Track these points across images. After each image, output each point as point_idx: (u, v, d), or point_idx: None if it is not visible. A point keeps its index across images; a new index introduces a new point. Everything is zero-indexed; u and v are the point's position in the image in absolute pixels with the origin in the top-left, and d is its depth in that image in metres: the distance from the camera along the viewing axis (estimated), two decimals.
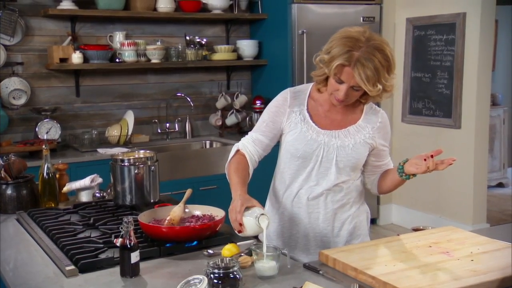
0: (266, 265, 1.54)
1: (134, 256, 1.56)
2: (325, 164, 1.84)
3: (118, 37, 4.05)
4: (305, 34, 4.29)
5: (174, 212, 1.89)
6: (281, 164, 1.94)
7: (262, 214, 1.62)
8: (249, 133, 1.95)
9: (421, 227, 1.93)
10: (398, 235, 1.77)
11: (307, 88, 1.92)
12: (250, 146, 1.90)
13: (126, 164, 2.15)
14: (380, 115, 1.89)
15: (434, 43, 4.45)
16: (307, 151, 1.83)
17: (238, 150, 1.90)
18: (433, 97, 4.47)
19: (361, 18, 4.57)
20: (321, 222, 1.90)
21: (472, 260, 1.55)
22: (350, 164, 1.84)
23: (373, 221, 4.92)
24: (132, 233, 1.56)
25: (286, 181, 1.92)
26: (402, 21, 4.69)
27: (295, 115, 1.86)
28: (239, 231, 1.64)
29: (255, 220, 1.61)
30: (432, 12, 4.43)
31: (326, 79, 1.80)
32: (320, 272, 1.55)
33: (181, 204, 1.94)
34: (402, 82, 4.71)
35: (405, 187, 4.98)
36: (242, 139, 1.94)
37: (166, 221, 1.86)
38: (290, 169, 1.90)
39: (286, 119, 1.87)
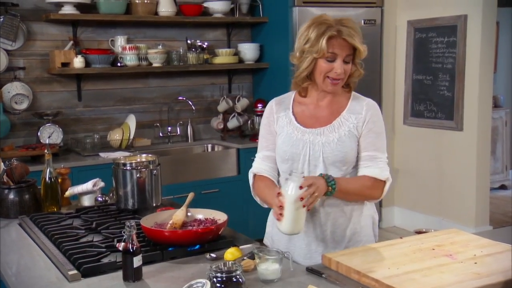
0: (269, 268, 1.53)
1: (137, 261, 1.55)
2: (313, 163, 1.83)
3: (120, 41, 4.05)
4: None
5: (177, 216, 1.89)
6: (279, 168, 1.95)
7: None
8: (256, 155, 1.99)
9: (424, 230, 1.92)
10: (401, 237, 1.77)
11: (290, 94, 1.96)
12: (263, 166, 1.94)
13: (128, 168, 2.15)
14: (365, 104, 1.86)
15: (436, 45, 4.45)
16: (294, 152, 1.84)
17: (255, 175, 1.95)
18: (434, 99, 4.47)
19: (362, 21, 4.58)
20: (318, 226, 1.86)
21: (475, 263, 1.54)
22: (338, 159, 1.80)
23: None
24: (134, 237, 1.56)
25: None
26: (403, 23, 4.69)
27: (282, 119, 1.91)
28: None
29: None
30: (433, 15, 4.43)
31: (308, 76, 1.83)
32: (323, 275, 1.55)
33: (183, 208, 1.93)
34: (403, 84, 4.71)
35: (407, 190, 4.99)
36: (253, 164, 1.99)
37: (169, 225, 1.86)
38: (283, 173, 1.91)
39: (276, 125, 1.92)
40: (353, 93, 1.91)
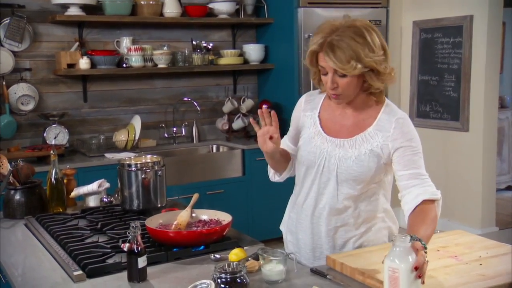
0: (273, 269, 1.53)
1: (142, 261, 1.56)
2: (326, 175, 1.74)
3: (125, 42, 4.07)
4: (311, 38, 4.28)
5: (181, 217, 1.90)
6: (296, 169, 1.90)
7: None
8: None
9: None
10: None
11: (323, 93, 1.84)
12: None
13: (133, 169, 2.16)
14: (394, 120, 1.68)
15: (441, 46, 4.44)
16: (311, 159, 1.76)
17: None
18: (440, 100, 4.45)
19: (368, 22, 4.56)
20: (324, 236, 1.78)
21: (480, 264, 1.53)
22: (352, 178, 1.69)
23: None
24: (139, 238, 1.56)
25: (297, 187, 1.88)
26: (408, 24, 4.69)
27: (307, 119, 1.82)
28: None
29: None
30: (439, 15, 4.42)
31: (319, 82, 1.76)
32: (328, 276, 1.55)
33: (188, 209, 1.94)
34: (409, 85, 4.70)
35: None
36: None
37: (173, 225, 1.86)
38: (298, 175, 1.87)
39: (300, 122, 1.85)
40: (387, 103, 1.74)
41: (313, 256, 1.82)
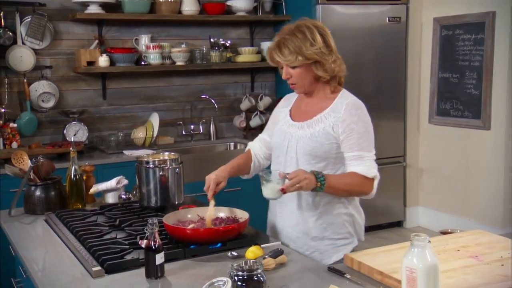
0: (274, 188, 1.77)
1: (159, 258, 1.57)
2: (290, 153, 1.97)
3: (144, 40, 4.09)
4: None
5: (210, 210, 1.92)
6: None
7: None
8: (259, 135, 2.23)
9: (450, 230, 1.89)
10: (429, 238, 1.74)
11: None
12: (256, 144, 2.19)
13: (151, 166, 2.17)
14: (345, 103, 1.90)
15: (463, 42, 4.37)
16: (278, 142, 2.02)
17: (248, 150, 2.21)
18: (461, 97, 4.39)
19: (387, 19, 4.53)
20: (289, 213, 1.99)
21: (502, 265, 1.51)
22: (307, 152, 1.91)
23: (399, 223, 4.86)
24: (156, 235, 1.57)
25: (272, 168, 2.08)
26: (429, 21, 4.62)
27: (282, 114, 2.09)
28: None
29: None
30: (460, 11, 4.35)
31: None
32: (345, 275, 1.54)
33: (213, 206, 1.94)
34: (429, 82, 4.64)
35: (432, 190, 4.92)
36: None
37: (201, 218, 1.93)
38: (273, 162, 2.09)
39: (277, 117, 2.11)
40: (343, 91, 1.98)
41: (292, 235, 1.98)
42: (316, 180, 1.77)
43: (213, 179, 1.96)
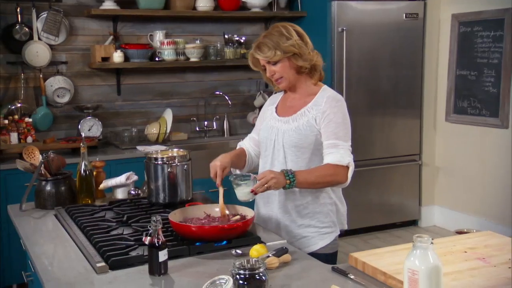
0: (244, 191, 1.85)
1: (162, 255, 1.57)
2: (277, 146, 2.07)
3: (158, 36, 4.10)
4: (345, 32, 4.22)
5: (220, 198, 1.96)
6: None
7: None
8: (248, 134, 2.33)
9: (465, 230, 1.86)
10: (432, 239, 1.71)
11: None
12: (246, 142, 2.29)
13: (159, 162, 2.18)
14: (326, 96, 2.02)
15: (481, 39, 4.29)
16: (266, 136, 2.12)
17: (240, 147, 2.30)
18: (479, 95, 4.31)
19: (404, 15, 4.47)
20: (276, 202, 2.07)
21: (509, 268, 1.47)
22: (293, 144, 2.01)
23: (414, 222, 4.80)
24: (160, 232, 1.57)
25: (260, 162, 2.19)
26: (447, 17, 4.55)
27: (268, 112, 2.19)
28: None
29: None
30: (478, 8, 4.27)
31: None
32: (349, 275, 1.52)
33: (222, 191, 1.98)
34: (446, 80, 4.57)
35: (448, 188, 4.84)
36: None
37: (207, 215, 1.95)
38: (262, 156, 2.17)
39: (264, 115, 2.21)
40: (324, 86, 2.09)
41: (281, 227, 2.06)
42: (285, 178, 1.87)
43: (218, 165, 2.01)
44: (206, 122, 4.39)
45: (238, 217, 1.90)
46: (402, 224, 4.74)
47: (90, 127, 3.90)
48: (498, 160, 4.22)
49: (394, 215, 4.67)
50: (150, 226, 1.58)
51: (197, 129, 4.39)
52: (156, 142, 3.99)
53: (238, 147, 2.30)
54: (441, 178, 4.74)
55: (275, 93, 2.27)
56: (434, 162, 4.76)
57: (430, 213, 4.82)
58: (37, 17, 3.80)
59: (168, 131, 4.00)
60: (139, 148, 3.80)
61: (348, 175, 1.96)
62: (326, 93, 2.06)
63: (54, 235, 2.00)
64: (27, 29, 3.80)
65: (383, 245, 1.77)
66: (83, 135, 3.48)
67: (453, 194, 4.64)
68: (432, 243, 1.26)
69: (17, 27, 3.77)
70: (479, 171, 4.34)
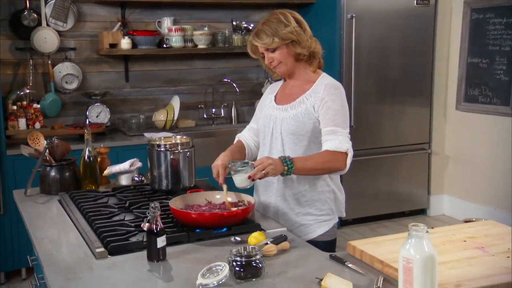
0: (242, 178, 1.84)
1: (160, 241, 1.57)
2: (275, 134, 2.07)
3: (166, 22, 4.09)
4: (354, 19, 4.18)
5: (226, 196, 1.96)
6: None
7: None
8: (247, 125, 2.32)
9: (474, 219, 1.86)
10: (432, 228, 1.70)
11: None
12: (245, 134, 2.29)
13: (162, 149, 2.18)
14: (324, 84, 2.02)
15: (493, 26, 4.22)
16: (264, 124, 2.12)
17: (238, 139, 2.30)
18: (490, 83, 4.25)
19: (415, 2, 4.41)
20: (275, 190, 2.07)
21: (508, 257, 1.46)
22: (291, 132, 2.02)
23: (423, 211, 4.78)
24: (158, 218, 1.57)
25: (259, 150, 2.20)
26: (459, 4, 4.48)
27: (267, 100, 2.18)
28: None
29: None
30: None
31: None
32: (346, 263, 1.51)
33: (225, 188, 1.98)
34: (457, 67, 4.51)
35: (458, 177, 4.80)
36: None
37: (208, 202, 1.96)
38: (260, 144, 2.19)
39: (263, 104, 2.21)
40: (323, 74, 2.09)
41: (278, 214, 2.07)
42: (282, 164, 1.87)
43: (220, 164, 2.00)
44: (214, 110, 4.39)
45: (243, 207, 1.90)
46: (411, 213, 4.72)
47: (98, 114, 3.92)
48: (508, 149, 4.16)
49: (403, 204, 4.65)
50: (148, 213, 1.59)
51: (205, 116, 4.39)
52: (163, 129, 3.99)
53: (236, 139, 2.30)
54: (451, 167, 4.70)
55: (275, 81, 2.25)
56: (443, 151, 4.72)
57: (439, 202, 4.78)
58: (46, 3, 3.81)
59: (175, 118, 4.01)
60: (146, 135, 3.82)
61: (347, 162, 1.95)
62: (324, 80, 2.05)
63: (57, 220, 2.02)
64: (35, 15, 3.81)
65: (389, 233, 1.76)
66: (87, 122, 3.50)
67: (462, 183, 4.60)
68: (427, 232, 1.24)
69: (25, 13, 3.79)
70: (489, 161, 4.30)
